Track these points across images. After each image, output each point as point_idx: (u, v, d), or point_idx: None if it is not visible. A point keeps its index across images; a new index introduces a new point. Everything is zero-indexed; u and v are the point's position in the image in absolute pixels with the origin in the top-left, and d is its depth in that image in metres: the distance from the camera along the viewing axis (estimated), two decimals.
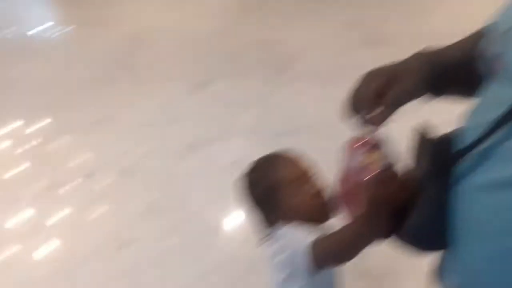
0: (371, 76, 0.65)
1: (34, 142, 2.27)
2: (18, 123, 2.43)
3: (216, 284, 1.52)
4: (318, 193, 0.83)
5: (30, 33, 3.47)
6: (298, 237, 0.76)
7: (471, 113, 0.54)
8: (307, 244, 0.73)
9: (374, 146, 0.66)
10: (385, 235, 0.63)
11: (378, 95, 0.62)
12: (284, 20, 3.31)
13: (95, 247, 1.69)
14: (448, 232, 0.52)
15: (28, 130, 2.37)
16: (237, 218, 1.73)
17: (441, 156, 0.53)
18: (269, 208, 0.85)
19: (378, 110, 0.63)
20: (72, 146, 2.26)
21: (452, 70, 0.63)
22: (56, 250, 1.73)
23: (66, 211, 1.87)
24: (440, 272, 0.61)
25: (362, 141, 0.67)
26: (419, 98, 0.65)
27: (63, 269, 1.62)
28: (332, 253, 0.74)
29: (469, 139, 0.50)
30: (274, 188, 0.83)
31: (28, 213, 1.87)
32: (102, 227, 1.79)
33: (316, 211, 0.83)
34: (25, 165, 2.13)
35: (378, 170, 0.64)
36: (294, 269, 0.76)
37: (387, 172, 0.64)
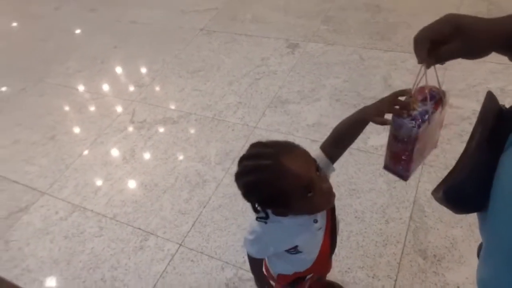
0: (439, 23, 0.64)
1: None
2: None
3: None
4: (328, 189, 0.85)
5: None
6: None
7: None
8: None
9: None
10: None
11: (436, 42, 0.63)
12: None
13: None
14: (487, 195, 0.54)
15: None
16: None
17: (502, 124, 0.55)
18: (275, 206, 0.87)
19: (431, 60, 0.65)
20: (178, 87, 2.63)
21: None
22: None
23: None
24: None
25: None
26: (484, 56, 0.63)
27: None
28: None
29: None
30: (286, 195, 0.81)
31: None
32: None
33: (324, 204, 0.89)
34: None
35: None
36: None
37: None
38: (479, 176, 0.56)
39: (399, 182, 1.81)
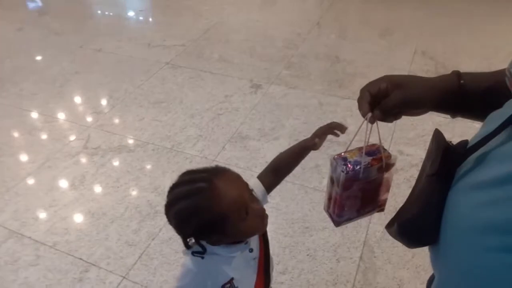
0: (377, 80, 0.69)
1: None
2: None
3: None
4: (262, 212, 0.85)
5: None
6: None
7: (484, 123, 0.60)
8: None
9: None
10: None
11: (377, 98, 0.68)
12: (354, 41, 3.43)
13: None
14: (438, 228, 0.56)
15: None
16: None
17: (450, 157, 0.57)
18: (209, 234, 0.83)
19: (375, 112, 0.68)
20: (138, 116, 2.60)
21: (476, 97, 0.66)
22: None
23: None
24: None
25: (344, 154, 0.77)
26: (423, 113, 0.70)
27: None
28: None
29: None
30: (222, 218, 0.79)
31: None
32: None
33: (258, 226, 0.87)
34: None
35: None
36: None
37: None
38: (431, 209, 0.58)
39: (351, 223, 1.84)
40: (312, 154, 0.95)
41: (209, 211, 0.78)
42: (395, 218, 0.65)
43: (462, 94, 0.68)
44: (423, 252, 1.69)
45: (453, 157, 0.58)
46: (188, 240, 0.86)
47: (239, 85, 2.87)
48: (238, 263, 0.91)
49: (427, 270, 1.64)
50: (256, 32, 3.60)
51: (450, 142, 0.62)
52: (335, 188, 0.77)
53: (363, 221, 1.84)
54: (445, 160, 0.59)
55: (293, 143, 0.97)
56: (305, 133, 2.50)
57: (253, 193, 0.87)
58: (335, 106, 2.63)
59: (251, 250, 0.92)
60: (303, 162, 1.02)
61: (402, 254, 1.72)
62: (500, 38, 3.35)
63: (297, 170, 1.05)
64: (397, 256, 1.72)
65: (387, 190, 0.84)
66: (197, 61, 3.17)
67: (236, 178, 0.84)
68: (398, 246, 1.75)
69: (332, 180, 0.78)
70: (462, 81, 0.68)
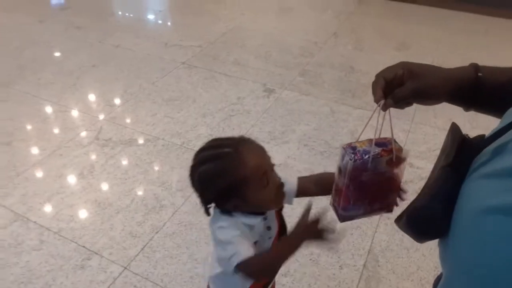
0: (393, 66, 0.69)
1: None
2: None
3: None
4: (280, 186, 0.87)
5: None
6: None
7: (502, 118, 0.60)
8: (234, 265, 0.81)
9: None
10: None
11: (391, 85, 0.68)
12: (370, 52, 3.43)
13: None
14: (449, 219, 0.55)
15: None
16: None
17: (466, 149, 0.57)
18: (229, 197, 0.84)
19: (388, 100, 0.68)
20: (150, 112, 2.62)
21: (493, 91, 0.65)
22: None
23: None
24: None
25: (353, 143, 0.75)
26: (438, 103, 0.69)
27: None
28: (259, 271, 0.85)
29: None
30: (243, 182, 0.81)
31: None
32: None
33: (276, 200, 0.89)
34: None
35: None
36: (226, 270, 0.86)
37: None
38: (443, 199, 0.57)
39: (357, 229, 1.82)
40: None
41: (231, 174, 0.81)
42: (405, 210, 0.64)
43: (478, 87, 0.67)
44: (429, 266, 1.68)
45: (469, 149, 0.57)
46: (208, 206, 0.87)
47: (252, 88, 2.88)
48: (257, 234, 0.90)
49: (432, 284, 1.61)
50: (272, 39, 3.62)
51: (467, 135, 0.61)
52: (342, 179, 0.76)
53: (368, 229, 1.82)
54: (461, 152, 0.58)
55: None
56: (315, 139, 2.51)
57: (284, 187, 0.88)
58: (347, 115, 2.62)
59: (269, 228, 0.92)
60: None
61: (407, 265, 1.69)
62: None
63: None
64: (402, 267, 1.69)
65: (397, 189, 0.82)
66: (213, 62, 3.19)
67: (260, 148, 0.86)
68: (403, 257, 1.72)
69: (340, 170, 0.77)
70: (479, 74, 0.66)
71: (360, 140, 0.76)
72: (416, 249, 1.75)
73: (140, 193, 2.01)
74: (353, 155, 0.72)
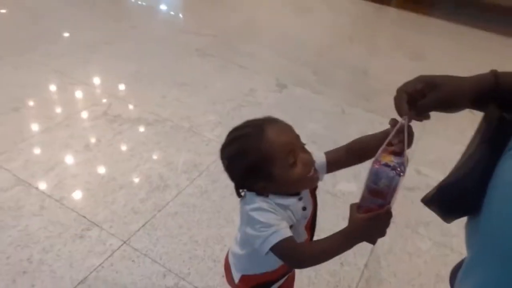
0: (413, 80, 0.71)
1: None
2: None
3: None
4: (309, 164, 0.83)
5: None
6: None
7: None
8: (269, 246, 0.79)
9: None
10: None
11: (413, 98, 0.69)
12: (384, 59, 3.43)
13: None
14: (482, 195, 0.55)
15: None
16: None
17: (503, 127, 0.58)
18: (257, 177, 0.81)
19: (410, 113, 0.69)
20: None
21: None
22: None
23: None
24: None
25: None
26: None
27: None
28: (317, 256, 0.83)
29: None
30: (268, 161, 0.79)
31: None
32: None
33: (306, 180, 0.84)
34: None
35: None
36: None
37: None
38: (478, 175, 0.57)
39: None
40: None
41: (256, 153, 0.79)
42: (437, 185, 0.64)
43: (499, 95, 0.66)
44: (430, 273, 1.66)
45: (506, 128, 0.58)
46: (240, 191, 0.86)
47: (265, 81, 2.86)
48: (293, 216, 0.87)
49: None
50: (288, 35, 3.61)
51: (504, 114, 0.61)
52: (379, 199, 0.72)
53: None
54: (498, 130, 0.58)
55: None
56: (324, 138, 2.49)
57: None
58: (357, 117, 2.61)
59: (304, 208, 0.89)
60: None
61: (409, 270, 1.67)
62: None
63: None
64: (403, 272, 1.67)
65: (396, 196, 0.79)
66: (227, 52, 3.18)
67: (286, 126, 0.84)
68: (405, 262, 1.71)
69: (372, 192, 0.72)
70: (499, 81, 0.66)
71: (378, 155, 0.72)
72: (418, 255, 1.73)
73: (145, 171, 1.99)
74: (394, 171, 0.69)
